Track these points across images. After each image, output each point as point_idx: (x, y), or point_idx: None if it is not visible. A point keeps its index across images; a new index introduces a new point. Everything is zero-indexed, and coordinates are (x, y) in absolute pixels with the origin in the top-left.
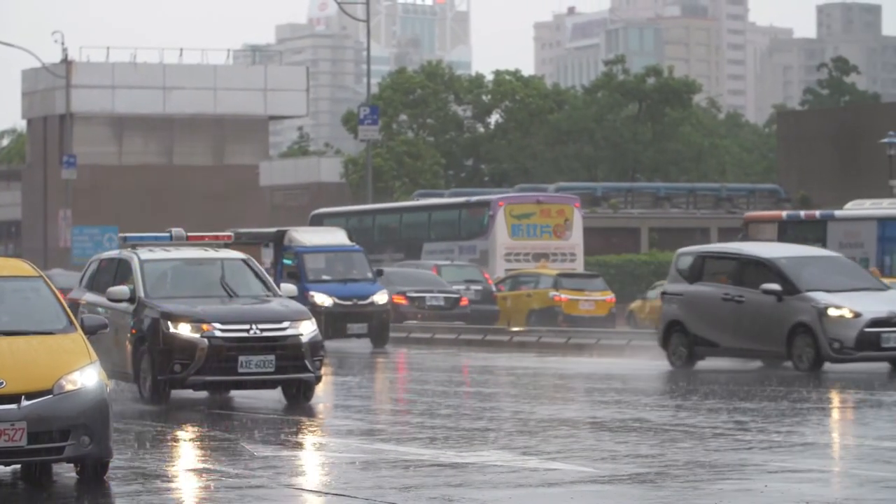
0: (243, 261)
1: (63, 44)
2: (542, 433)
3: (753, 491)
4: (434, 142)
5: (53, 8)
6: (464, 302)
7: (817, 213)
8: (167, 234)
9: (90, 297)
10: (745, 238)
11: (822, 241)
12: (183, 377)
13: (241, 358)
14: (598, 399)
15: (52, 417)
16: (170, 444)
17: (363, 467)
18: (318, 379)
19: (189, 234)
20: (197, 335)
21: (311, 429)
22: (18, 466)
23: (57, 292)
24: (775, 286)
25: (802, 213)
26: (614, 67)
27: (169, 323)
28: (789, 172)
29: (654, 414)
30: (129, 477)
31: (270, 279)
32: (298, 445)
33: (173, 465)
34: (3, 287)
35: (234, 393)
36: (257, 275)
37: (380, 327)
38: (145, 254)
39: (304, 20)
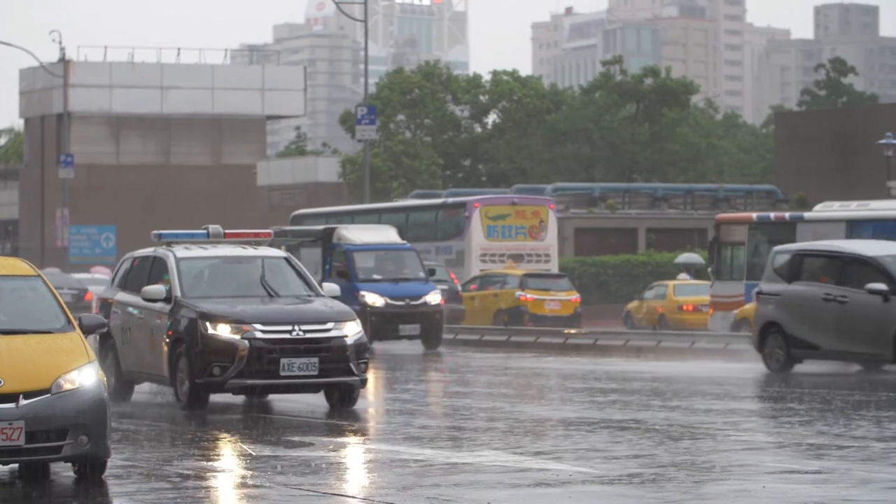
0: (284, 259)
1: (61, 43)
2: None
3: None
4: (431, 142)
5: (51, 7)
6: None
7: (787, 214)
8: (203, 232)
9: (123, 296)
10: (717, 240)
11: (791, 243)
12: (222, 380)
13: (284, 360)
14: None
15: (50, 417)
16: (182, 444)
17: (369, 469)
18: (364, 382)
19: (226, 230)
20: (237, 336)
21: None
22: (16, 466)
23: (55, 291)
24: (881, 286)
25: (772, 214)
26: (612, 68)
27: (207, 323)
28: (787, 173)
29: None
30: (127, 476)
31: (312, 278)
32: (302, 445)
33: (171, 465)
34: (1, 286)
35: (272, 397)
36: (299, 273)
37: (433, 329)
38: (181, 251)
39: (302, 20)
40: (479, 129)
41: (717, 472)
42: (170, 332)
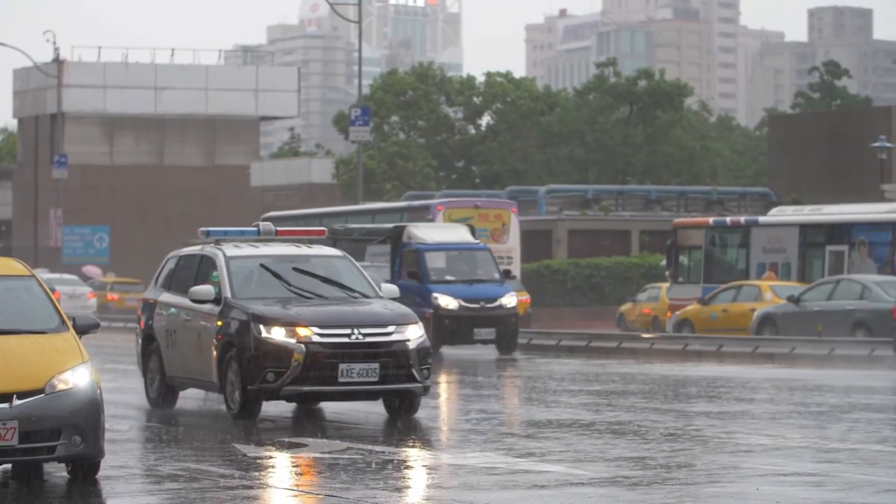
0: (340, 258)
1: (55, 43)
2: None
3: None
4: (425, 143)
5: (45, 7)
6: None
7: (742, 219)
8: (254, 229)
9: (167, 297)
10: (674, 244)
11: (746, 247)
12: (276, 387)
13: (342, 366)
14: None
15: (43, 417)
16: (172, 446)
17: (371, 470)
18: (426, 389)
19: (278, 228)
20: (292, 340)
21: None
22: (9, 466)
23: (49, 291)
24: None
25: (728, 219)
26: (606, 70)
27: (261, 326)
28: (780, 176)
29: None
30: (123, 477)
31: (370, 278)
32: (294, 446)
33: (165, 466)
34: None
35: (324, 404)
36: (356, 274)
37: (508, 333)
38: (231, 250)
39: (296, 21)
40: (472, 131)
41: (713, 475)
42: (219, 336)
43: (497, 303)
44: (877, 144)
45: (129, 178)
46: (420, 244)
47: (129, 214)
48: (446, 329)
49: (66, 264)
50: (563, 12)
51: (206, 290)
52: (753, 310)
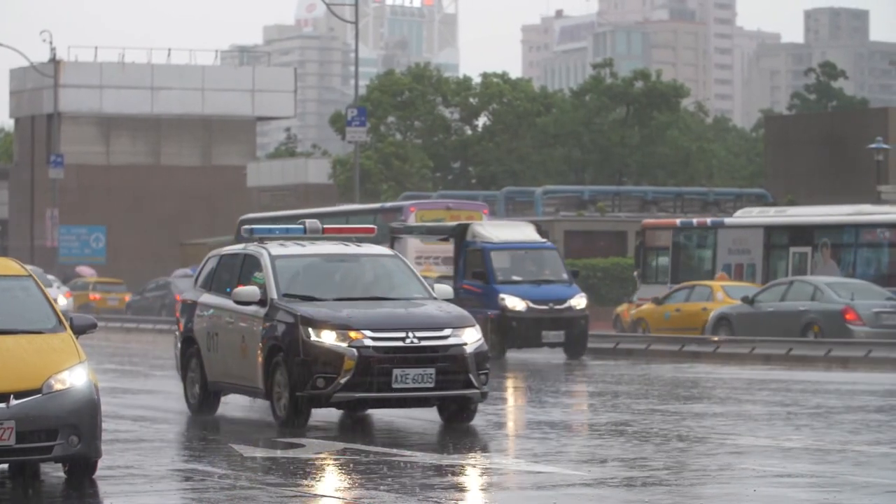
0: (391, 257)
1: (51, 43)
2: None
3: None
4: (422, 144)
5: (42, 7)
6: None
7: (708, 220)
8: (300, 227)
9: (208, 298)
10: (643, 245)
11: (713, 248)
12: (327, 394)
13: (396, 371)
14: None
15: (40, 417)
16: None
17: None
18: (484, 396)
19: (325, 226)
20: (344, 344)
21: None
22: (6, 466)
23: (46, 291)
24: None
25: (695, 220)
26: (602, 71)
27: (310, 330)
28: (777, 177)
29: None
30: (119, 476)
31: (422, 278)
32: (292, 447)
33: (165, 466)
34: None
35: (371, 411)
36: (408, 274)
37: (578, 335)
38: (277, 249)
39: (292, 21)
40: (469, 132)
41: (710, 476)
42: (265, 339)
43: (566, 304)
44: (873, 146)
45: (125, 178)
46: (486, 243)
47: (125, 214)
48: (513, 332)
49: (62, 264)
50: (559, 13)
51: (251, 290)
52: (705, 309)
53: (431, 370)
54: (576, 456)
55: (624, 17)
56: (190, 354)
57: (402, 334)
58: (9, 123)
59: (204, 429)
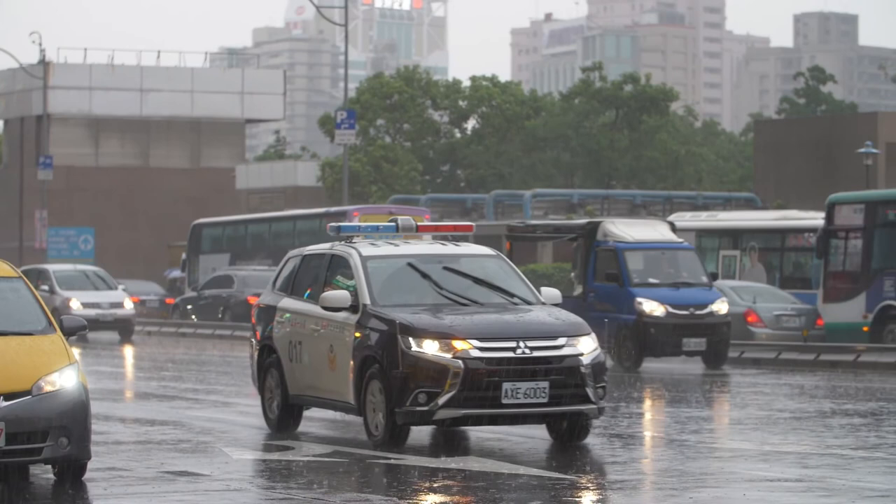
0: (493, 257)
1: (40, 45)
2: None
3: None
4: (411, 147)
5: (31, 8)
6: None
7: None
8: (391, 225)
9: (289, 302)
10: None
11: None
12: (430, 410)
13: (506, 385)
14: None
15: (30, 418)
16: (153, 449)
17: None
18: (601, 411)
19: (420, 224)
20: (448, 355)
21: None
22: None
23: (36, 293)
24: None
25: None
26: (591, 74)
27: (410, 339)
28: (766, 181)
29: None
30: (108, 479)
31: (528, 281)
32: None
33: (152, 469)
34: None
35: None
36: (513, 276)
37: (720, 344)
38: (367, 248)
39: (282, 24)
40: (458, 135)
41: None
42: (358, 350)
43: (708, 309)
44: (863, 150)
45: (114, 179)
46: (619, 242)
47: (114, 216)
48: (651, 339)
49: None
50: (548, 16)
51: (341, 295)
52: None
53: (545, 384)
54: None
55: (613, 20)
56: (268, 365)
57: (513, 344)
58: None
59: (195, 432)
